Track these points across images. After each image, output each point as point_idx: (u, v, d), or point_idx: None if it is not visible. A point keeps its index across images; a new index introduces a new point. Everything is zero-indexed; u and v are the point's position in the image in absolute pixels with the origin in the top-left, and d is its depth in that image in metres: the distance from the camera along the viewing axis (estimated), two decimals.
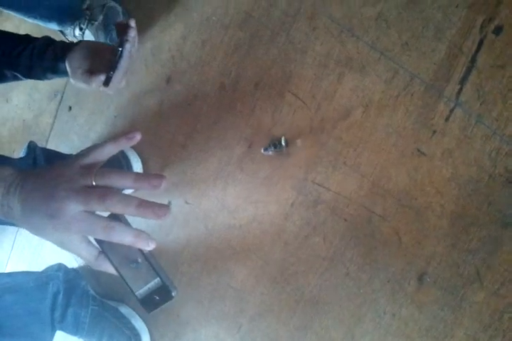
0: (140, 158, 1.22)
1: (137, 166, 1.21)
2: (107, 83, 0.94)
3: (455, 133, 0.81)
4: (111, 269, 0.61)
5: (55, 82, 1.46)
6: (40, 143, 1.47)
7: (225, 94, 1.07)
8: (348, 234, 0.92)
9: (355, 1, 0.89)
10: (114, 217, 0.58)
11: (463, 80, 0.81)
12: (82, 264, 1.40)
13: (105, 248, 0.60)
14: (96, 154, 0.62)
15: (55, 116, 1.47)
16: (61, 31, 1.21)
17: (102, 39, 1.23)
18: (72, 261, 1.41)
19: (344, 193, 0.92)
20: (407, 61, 0.84)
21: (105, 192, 0.56)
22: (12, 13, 1.14)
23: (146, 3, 1.20)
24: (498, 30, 0.78)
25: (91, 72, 0.95)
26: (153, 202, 0.56)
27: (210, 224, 1.11)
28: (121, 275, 0.60)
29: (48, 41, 1.06)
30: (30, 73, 1.06)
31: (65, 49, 1.00)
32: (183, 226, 1.15)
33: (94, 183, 0.58)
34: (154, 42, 1.19)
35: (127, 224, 0.59)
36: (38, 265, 1.51)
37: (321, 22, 0.93)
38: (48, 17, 1.11)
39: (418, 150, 0.84)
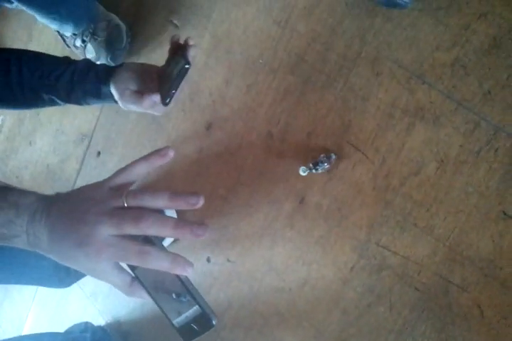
0: (176, 209, 1.13)
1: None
2: (167, 102, 0.88)
3: None
4: (146, 296, 0.57)
5: (81, 126, 1.39)
6: (66, 190, 1.39)
7: (273, 143, 0.98)
8: (420, 305, 0.81)
9: (427, 44, 0.80)
10: (147, 239, 0.55)
11: None
12: (108, 321, 1.29)
13: (138, 273, 0.57)
14: (126, 174, 0.58)
15: (82, 162, 1.39)
16: (62, 37, 1.21)
17: (103, 56, 1.22)
18: (98, 318, 1.31)
19: (414, 258, 0.81)
20: (490, 112, 0.75)
21: (139, 214, 0.53)
22: (31, 13, 1.12)
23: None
24: None
25: (140, 92, 0.92)
26: (190, 222, 0.53)
27: (255, 286, 1.00)
28: (156, 302, 0.56)
29: (89, 64, 1.02)
30: (70, 97, 1.01)
31: (108, 72, 0.97)
32: (224, 287, 1.05)
33: (125, 205, 0.54)
34: (193, 87, 1.10)
35: (161, 246, 0.56)
36: (62, 319, 1.40)
37: (385, 67, 0.84)
38: (66, 17, 1.12)
39: (504, 213, 0.74)
